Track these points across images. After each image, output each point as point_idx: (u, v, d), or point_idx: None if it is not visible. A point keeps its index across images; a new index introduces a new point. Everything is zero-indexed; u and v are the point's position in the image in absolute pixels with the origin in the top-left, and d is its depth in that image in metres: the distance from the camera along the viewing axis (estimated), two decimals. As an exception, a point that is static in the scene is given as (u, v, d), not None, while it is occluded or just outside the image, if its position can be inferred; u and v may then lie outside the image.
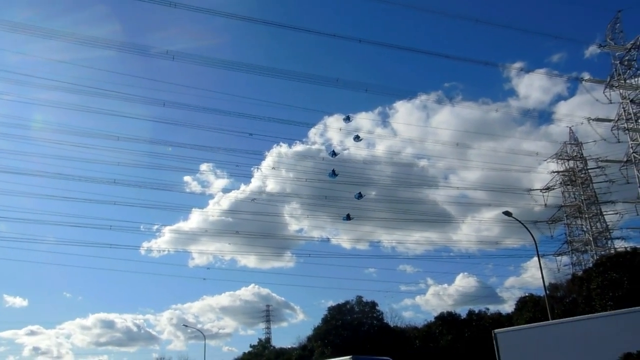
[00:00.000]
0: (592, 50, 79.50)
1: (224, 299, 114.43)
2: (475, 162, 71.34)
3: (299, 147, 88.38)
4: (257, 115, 65.33)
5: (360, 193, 61.68)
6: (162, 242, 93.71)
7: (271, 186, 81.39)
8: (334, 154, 65.23)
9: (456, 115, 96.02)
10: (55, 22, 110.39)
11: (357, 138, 65.59)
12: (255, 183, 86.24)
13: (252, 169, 78.52)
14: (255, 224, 62.23)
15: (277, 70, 62.13)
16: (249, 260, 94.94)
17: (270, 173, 71.17)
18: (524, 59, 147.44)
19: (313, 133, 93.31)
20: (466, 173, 78.26)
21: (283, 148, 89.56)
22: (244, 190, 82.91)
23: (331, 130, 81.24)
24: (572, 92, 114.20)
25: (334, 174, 62.87)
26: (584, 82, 70.34)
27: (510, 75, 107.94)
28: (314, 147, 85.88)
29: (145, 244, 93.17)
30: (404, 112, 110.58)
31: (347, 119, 66.17)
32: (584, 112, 75.90)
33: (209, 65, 59.45)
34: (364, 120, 78.05)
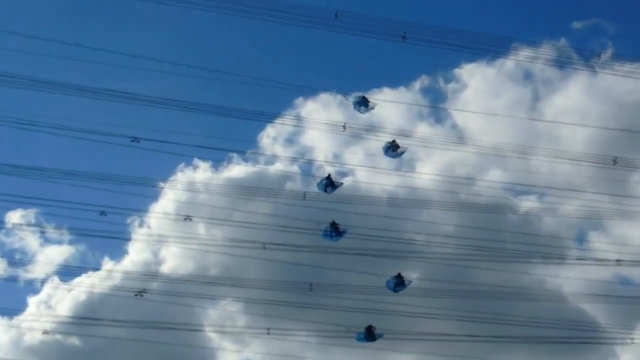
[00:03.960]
0: None
1: None
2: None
3: (235, 169, 41.27)
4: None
5: (400, 277, 28.62)
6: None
7: (173, 262, 38.48)
8: (330, 183, 31.80)
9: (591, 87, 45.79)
10: None
11: (391, 149, 31.20)
12: (136, 255, 40.61)
13: (128, 220, 32.46)
14: (138, 349, 27.64)
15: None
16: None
17: (169, 228, 33.40)
18: None
19: (268, 135, 44.23)
20: (624, 227, 32.94)
21: (200, 171, 42.91)
22: (112, 270, 36.19)
23: (311, 130, 40.58)
24: None
25: (335, 230, 30.17)
26: None
27: None
28: (274, 168, 38.44)
29: None
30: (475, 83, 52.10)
31: (364, 102, 30.84)
32: None
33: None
34: (388, 109, 36.43)
